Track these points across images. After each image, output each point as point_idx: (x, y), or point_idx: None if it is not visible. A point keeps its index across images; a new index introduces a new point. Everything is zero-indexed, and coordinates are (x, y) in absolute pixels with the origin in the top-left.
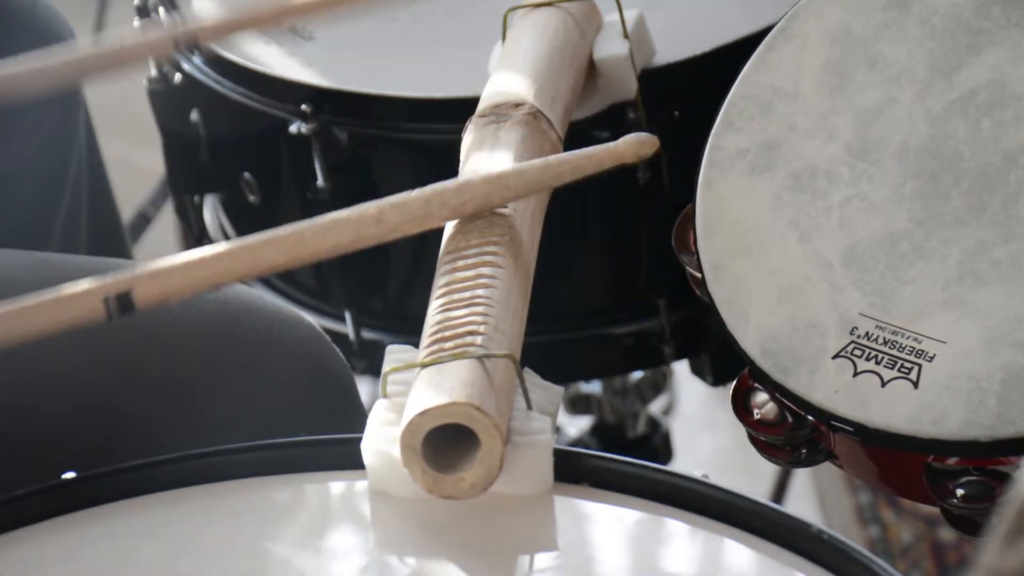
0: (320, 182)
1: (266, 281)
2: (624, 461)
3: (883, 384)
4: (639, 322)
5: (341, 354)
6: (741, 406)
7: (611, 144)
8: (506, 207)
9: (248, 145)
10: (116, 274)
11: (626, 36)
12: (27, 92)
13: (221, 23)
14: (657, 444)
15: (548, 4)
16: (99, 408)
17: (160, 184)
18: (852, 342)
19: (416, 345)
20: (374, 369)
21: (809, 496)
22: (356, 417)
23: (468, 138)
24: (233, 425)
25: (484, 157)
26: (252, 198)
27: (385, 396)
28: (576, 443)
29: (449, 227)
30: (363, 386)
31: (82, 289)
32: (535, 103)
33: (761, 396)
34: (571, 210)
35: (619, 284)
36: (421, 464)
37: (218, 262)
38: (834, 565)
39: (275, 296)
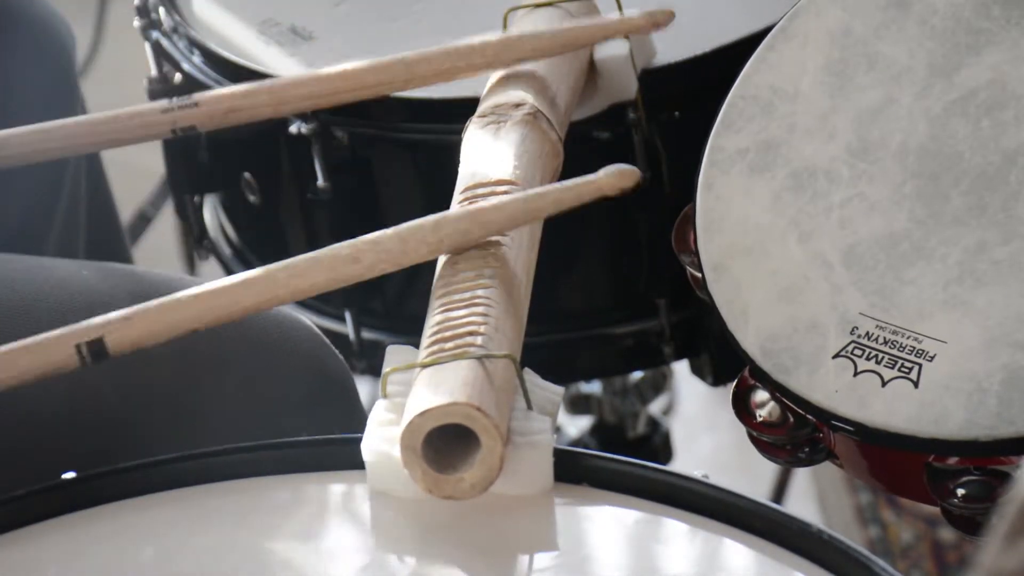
0: (320, 182)
1: None
2: (624, 461)
3: (883, 384)
4: (639, 322)
5: (340, 355)
6: (741, 406)
7: (592, 177)
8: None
9: (248, 145)
10: (88, 323)
11: (626, 36)
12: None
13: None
14: (657, 444)
15: (548, 4)
16: (98, 411)
17: (160, 184)
18: (852, 342)
19: (416, 345)
20: (374, 369)
21: (809, 496)
22: (356, 419)
23: (468, 138)
24: (232, 428)
25: (484, 157)
26: (252, 198)
27: (385, 396)
28: (576, 443)
29: None
30: (363, 386)
31: (55, 336)
32: (535, 103)
33: (761, 396)
34: (571, 210)
35: (619, 284)
36: (421, 464)
37: (192, 305)
38: (834, 565)
39: None
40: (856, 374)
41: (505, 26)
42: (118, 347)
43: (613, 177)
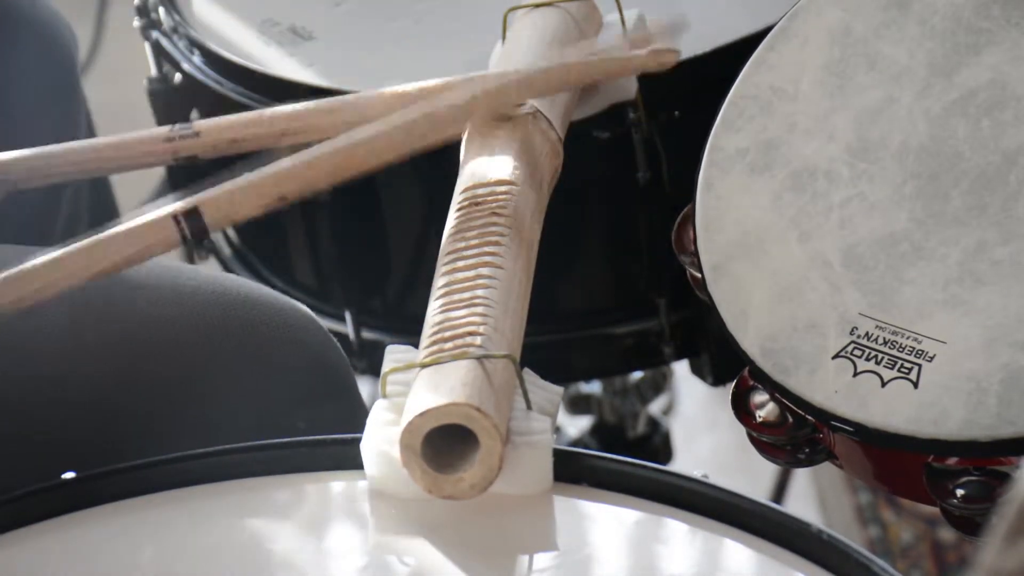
0: None
1: (266, 281)
2: (624, 461)
3: (883, 384)
4: (639, 322)
5: (339, 345)
6: (741, 407)
7: (628, 53)
8: (506, 210)
9: None
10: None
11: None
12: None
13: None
14: (657, 444)
15: (548, 4)
16: (100, 404)
17: (160, 184)
18: (852, 342)
19: (416, 345)
20: (374, 369)
21: (809, 496)
22: (355, 407)
23: (468, 138)
24: (233, 417)
25: (484, 157)
26: None
27: (385, 396)
28: (576, 443)
29: (449, 227)
30: (363, 386)
31: (153, 216)
32: (535, 103)
33: (761, 397)
34: (571, 210)
35: (619, 284)
36: (421, 464)
37: (274, 178)
38: (834, 565)
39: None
40: (856, 374)
41: (505, 26)
42: (214, 219)
43: (654, 55)
